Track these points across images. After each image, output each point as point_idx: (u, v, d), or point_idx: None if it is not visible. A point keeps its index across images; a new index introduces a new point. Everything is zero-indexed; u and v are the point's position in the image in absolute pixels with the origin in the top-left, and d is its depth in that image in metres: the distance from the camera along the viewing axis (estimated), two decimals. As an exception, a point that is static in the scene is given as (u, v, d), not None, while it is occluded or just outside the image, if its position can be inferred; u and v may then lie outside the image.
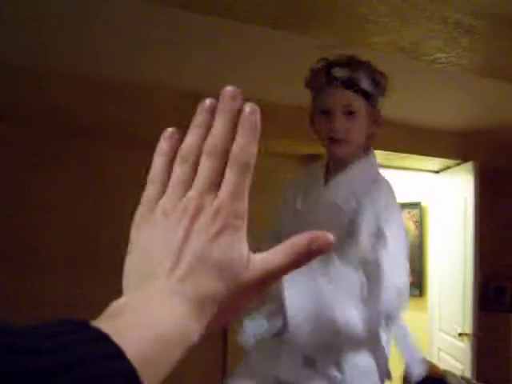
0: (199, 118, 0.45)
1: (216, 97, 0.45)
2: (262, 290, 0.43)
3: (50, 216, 3.18)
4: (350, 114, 1.52)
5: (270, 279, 0.42)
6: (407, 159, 3.78)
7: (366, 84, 1.51)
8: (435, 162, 3.92)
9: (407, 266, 1.49)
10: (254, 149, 0.42)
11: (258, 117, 0.43)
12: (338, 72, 1.50)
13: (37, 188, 3.15)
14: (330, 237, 0.42)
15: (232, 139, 0.42)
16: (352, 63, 1.51)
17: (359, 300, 1.40)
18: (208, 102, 0.45)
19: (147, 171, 0.47)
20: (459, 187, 3.82)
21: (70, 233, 3.22)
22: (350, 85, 1.50)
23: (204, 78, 2.60)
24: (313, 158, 3.82)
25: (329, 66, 1.53)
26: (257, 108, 0.43)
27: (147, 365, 0.32)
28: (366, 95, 1.52)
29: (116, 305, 0.37)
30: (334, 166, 1.61)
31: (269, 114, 0.49)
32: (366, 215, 1.46)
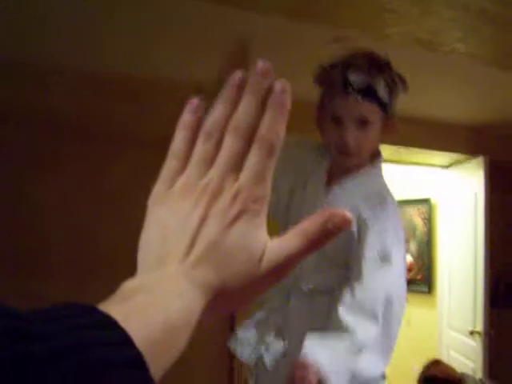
0: (226, 93, 0.42)
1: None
2: (279, 277, 0.40)
3: (51, 218, 3.16)
4: (363, 123, 1.38)
5: (286, 266, 0.40)
6: (416, 154, 3.71)
7: (384, 92, 1.36)
8: (445, 157, 3.85)
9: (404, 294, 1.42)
10: (282, 130, 0.40)
11: (288, 97, 0.40)
12: (355, 78, 1.34)
13: (38, 190, 3.14)
14: (347, 213, 0.40)
15: (259, 118, 0.40)
16: (371, 67, 1.35)
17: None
18: (238, 76, 0.42)
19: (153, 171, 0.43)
20: (469, 183, 3.75)
21: (72, 235, 3.20)
22: (368, 94, 1.35)
23: (212, 73, 2.53)
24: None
25: (345, 68, 1.36)
26: (288, 86, 0.40)
27: (155, 350, 0.32)
28: (383, 104, 1.38)
29: (128, 286, 0.36)
30: (339, 169, 1.51)
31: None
32: (370, 238, 1.39)
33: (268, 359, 1.47)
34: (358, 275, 1.37)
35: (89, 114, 2.93)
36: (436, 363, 1.92)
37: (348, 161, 1.45)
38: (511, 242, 3.97)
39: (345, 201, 1.45)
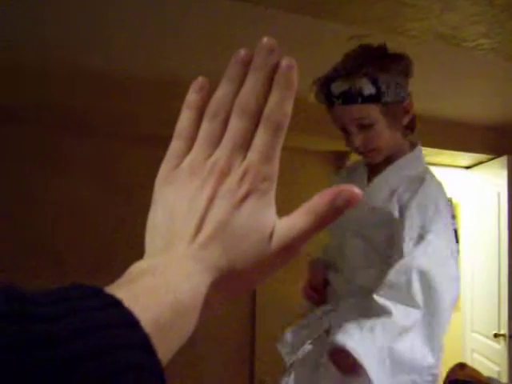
0: (232, 71, 0.41)
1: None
2: (288, 257, 0.40)
3: (61, 217, 3.18)
4: (364, 125, 1.37)
5: (296, 245, 0.39)
6: (438, 155, 3.65)
7: (370, 87, 1.32)
8: (467, 158, 3.79)
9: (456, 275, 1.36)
10: (289, 108, 0.39)
11: (294, 73, 0.39)
12: (336, 87, 1.33)
13: (48, 189, 3.15)
14: (355, 189, 0.39)
15: (266, 96, 0.39)
16: (348, 71, 1.32)
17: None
18: (243, 52, 0.41)
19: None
20: (492, 182, 3.69)
21: (83, 234, 3.20)
22: (351, 98, 1.33)
23: (216, 72, 2.52)
24: (338, 155, 3.73)
25: (328, 81, 1.36)
26: (294, 63, 0.39)
27: (163, 331, 0.31)
28: (375, 98, 1.33)
29: (136, 267, 0.36)
30: (377, 165, 1.50)
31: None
32: (409, 219, 1.34)
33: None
34: (398, 257, 1.33)
35: (98, 111, 2.92)
36: (462, 366, 1.88)
37: (373, 159, 1.45)
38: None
39: (384, 188, 1.44)
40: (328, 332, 1.46)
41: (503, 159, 3.56)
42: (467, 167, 4.00)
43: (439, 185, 1.43)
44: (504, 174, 3.52)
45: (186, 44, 2.34)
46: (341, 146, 3.60)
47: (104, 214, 3.24)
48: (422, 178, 1.41)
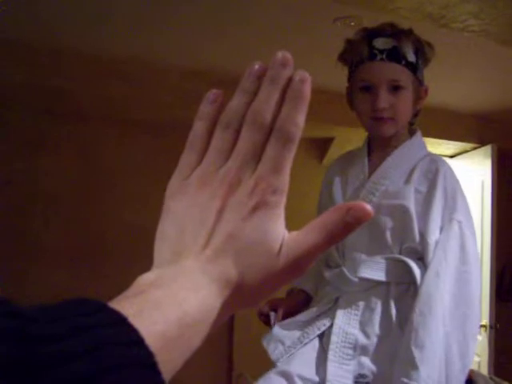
0: (246, 83, 0.41)
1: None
2: (297, 272, 0.40)
3: (45, 203, 3.12)
4: (395, 89, 1.34)
5: (305, 261, 0.39)
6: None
7: (412, 56, 1.34)
8: (451, 146, 3.75)
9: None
10: (301, 121, 0.39)
11: (308, 87, 0.40)
12: (382, 43, 1.32)
13: (32, 173, 3.10)
14: (367, 206, 0.39)
15: (278, 109, 0.40)
16: (396, 32, 1.33)
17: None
18: (257, 66, 0.41)
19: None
20: (476, 171, 3.66)
21: (67, 221, 3.19)
22: (397, 57, 1.32)
23: (211, 57, 2.44)
24: (325, 141, 3.67)
25: (370, 35, 1.34)
26: (308, 77, 0.40)
27: (170, 345, 0.31)
28: (414, 68, 1.35)
29: (143, 280, 0.36)
30: (378, 151, 1.44)
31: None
32: (434, 208, 1.31)
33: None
34: (412, 247, 1.32)
35: (86, 95, 2.84)
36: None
37: (385, 130, 1.38)
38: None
39: (395, 172, 1.39)
40: (323, 334, 1.38)
41: (487, 148, 3.54)
42: (451, 156, 3.97)
43: (451, 170, 1.40)
44: (488, 162, 3.51)
45: (177, 30, 2.26)
46: (325, 132, 3.55)
47: (88, 202, 3.20)
48: (433, 160, 1.38)
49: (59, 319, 0.27)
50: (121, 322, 0.29)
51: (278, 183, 0.39)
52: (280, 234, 0.39)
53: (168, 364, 0.30)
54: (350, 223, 0.39)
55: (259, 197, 0.38)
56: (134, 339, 0.28)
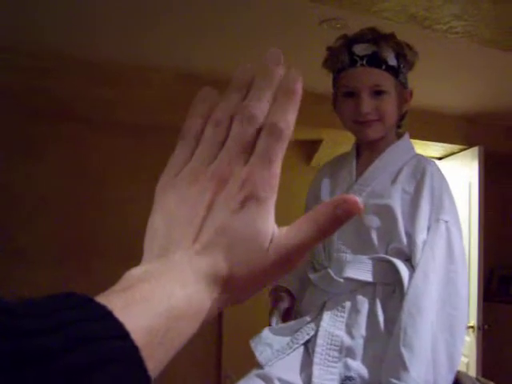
0: (237, 81, 0.42)
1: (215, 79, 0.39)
2: (288, 267, 0.40)
3: (33, 203, 3.10)
4: (378, 94, 1.36)
5: (295, 255, 0.39)
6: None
7: (393, 60, 1.35)
8: (439, 148, 3.76)
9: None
10: (292, 118, 0.40)
11: (299, 84, 0.40)
12: (361, 49, 1.34)
13: (19, 176, 3.08)
14: (357, 199, 0.38)
15: (270, 107, 0.40)
16: (376, 37, 1.35)
17: None
18: (249, 64, 0.42)
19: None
20: (463, 173, 3.68)
21: (54, 220, 3.15)
22: (377, 62, 1.34)
23: (196, 59, 2.43)
24: (314, 143, 3.67)
25: (349, 42, 1.37)
26: (299, 75, 0.41)
27: (157, 339, 0.31)
28: (395, 72, 1.36)
29: (131, 274, 0.35)
30: (366, 154, 1.45)
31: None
32: (422, 208, 1.32)
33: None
34: (398, 247, 1.33)
35: (75, 97, 2.83)
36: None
37: (370, 132, 1.39)
38: (505, 233, 3.89)
39: (383, 173, 1.39)
40: (310, 340, 1.37)
41: (474, 150, 3.55)
42: (439, 158, 3.98)
43: (439, 171, 1.40)
44: (475, 164, 3.52)
45: (165, 33, 2.26)
46: (313, 134, 3.55)
47: (75, 202, 3.18)
48: (424, 168, 1.38)
49: (45, 313, 0.27)
50: (106, 315, 0.29)
51: (268, 178, 0.39)
52: (270, 229, 0.39)
53: (155, 358, 0.30)
54: (340, 216, 0.38)
55: (249, 191, 0.38)
56: (119, 333, 0.28)
